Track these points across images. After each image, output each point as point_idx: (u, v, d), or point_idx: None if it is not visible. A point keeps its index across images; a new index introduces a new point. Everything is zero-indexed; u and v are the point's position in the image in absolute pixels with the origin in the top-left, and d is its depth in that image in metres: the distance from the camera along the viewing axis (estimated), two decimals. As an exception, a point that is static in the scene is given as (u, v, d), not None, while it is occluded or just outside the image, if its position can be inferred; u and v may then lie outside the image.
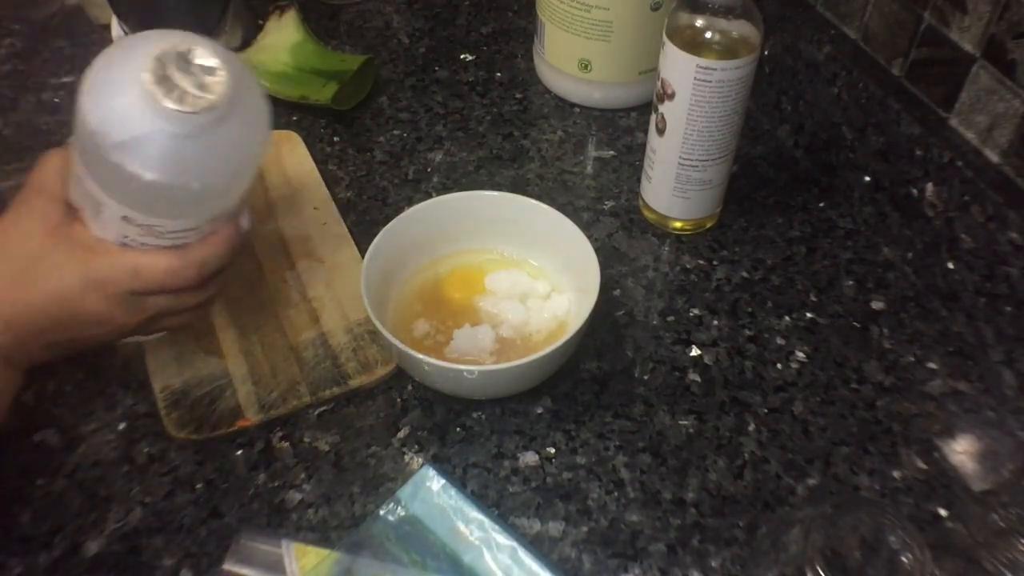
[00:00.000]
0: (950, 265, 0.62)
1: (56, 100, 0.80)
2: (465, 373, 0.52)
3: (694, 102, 0.60)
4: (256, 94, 0.48)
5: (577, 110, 0.81)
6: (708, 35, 0.60)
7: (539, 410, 0.56)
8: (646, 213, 0.70)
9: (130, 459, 0.53)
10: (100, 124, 0.43)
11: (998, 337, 0.59)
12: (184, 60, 0.44)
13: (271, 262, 0.64)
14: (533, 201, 0.61)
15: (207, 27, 0.78)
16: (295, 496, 0.52)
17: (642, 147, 0.72)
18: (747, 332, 0.61)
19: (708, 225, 0.69)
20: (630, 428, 0.55)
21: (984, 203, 0.58)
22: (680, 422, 0.56)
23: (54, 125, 0.77)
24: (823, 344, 0.61)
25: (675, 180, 0.65)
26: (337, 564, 0.48)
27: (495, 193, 0.63)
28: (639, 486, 0.53)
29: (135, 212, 0.46)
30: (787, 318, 0.62)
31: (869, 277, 0.66)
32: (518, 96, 0.83)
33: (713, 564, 0.49)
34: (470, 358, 0.57)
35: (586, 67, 0.78)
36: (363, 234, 0.61)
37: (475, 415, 0.56)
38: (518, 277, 0.61)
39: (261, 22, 0.85)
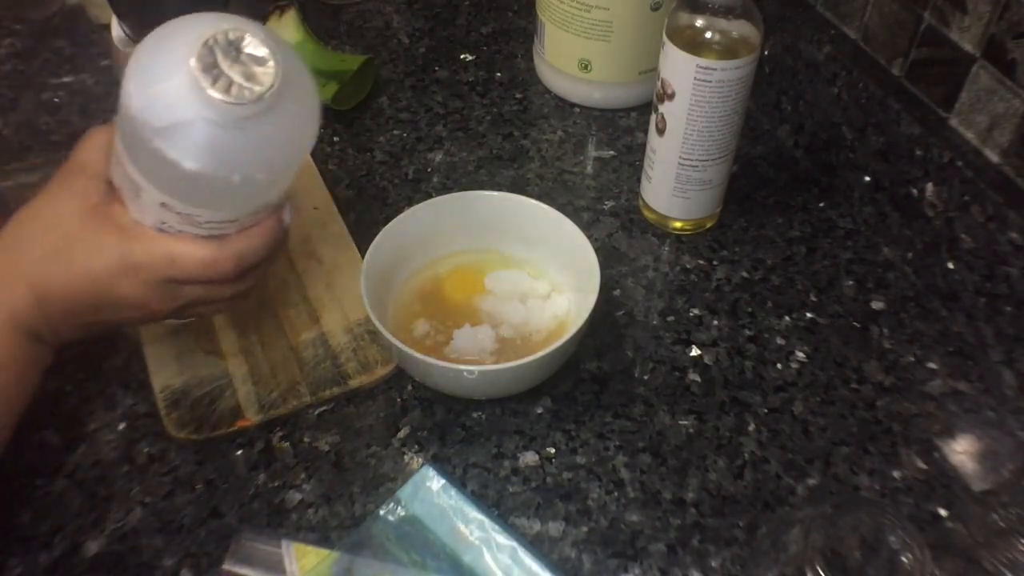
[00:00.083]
0: (950, 265, 0.62)
1: (56, 100, 0.80)
2: (465, 373, 0.52)
3: (694, 102, 0.60)
4: (306, 87, 0.47)
5: (577, 110, 0.81)
6: (708, 35, 0.60)
7: (539, 410, 0.56)
8: (646, 213, 0.70)
9: (130, 459, 0.53)
10: (142, 108, 0.42)
11: (998, 337, 0.59)
12: (234, 48, 0.42)
13: (271, 262, 0.64)
14: (533, 201, 0.61)
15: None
16: (295, 496, 0.52)
17: (642, 147, 0.72)
18: (747, 332, 0.61)
19: (708, 225, 0.69)
20: (630, 428, 0.55)
21: (984, 203, 0.58)
22: (680, 422, 0.56)
23: (54, 125, 0.77)
24: (823, 344, 0.61)
25: (675, 180, 0.65)
26: (337, 564, 0.48)
27: (495, 193, 0.63)
28: (639, 486, 0.53)
29: (173, 200, 0.45)
30: (787, 318, 0.62)
31: (869, 277, 0.66)
32: (518, 96, 0.83)
33: (713, 564, 0.49)
34: (470, 358, 0.57)
35: (586, 67, 0.78)
36: (363, 234, 0.61)
37: (475, 415, 0.56)
38: (518, 277, 0.61)
39: (261, 22, 0.85)
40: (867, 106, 0.67)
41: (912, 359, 0.60)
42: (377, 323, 0.53)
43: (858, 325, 0.62)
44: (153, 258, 0.46)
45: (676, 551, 0.50)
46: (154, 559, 0.49)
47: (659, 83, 0.62)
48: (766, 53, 0.77)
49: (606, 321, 0.62)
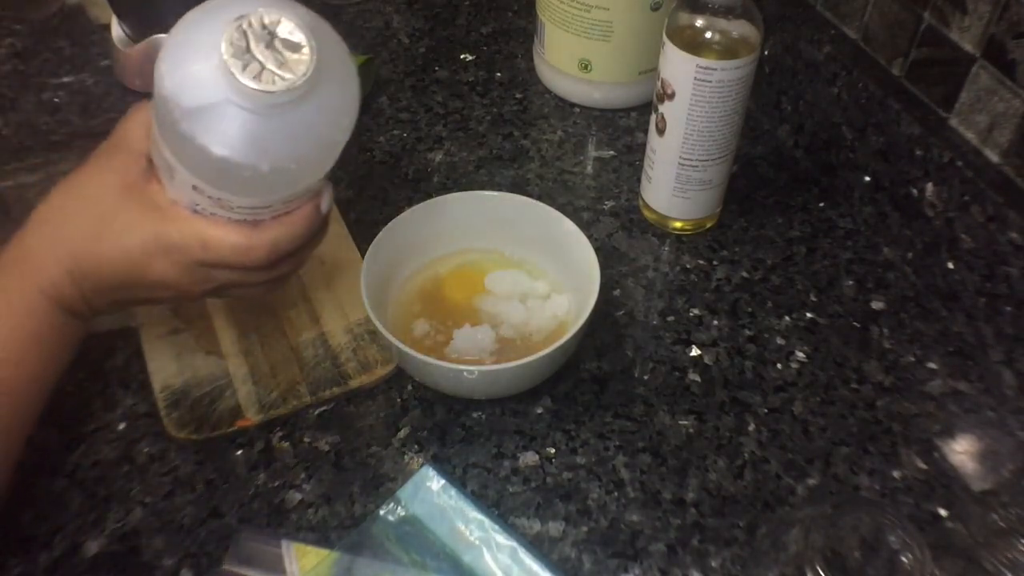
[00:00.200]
0: (950, 265, 0.62)
1: (56, 100, 0.80)
2: (465, 373, 0.52)
3: (694, 102, 0.60)
4: (344, 74, 0.45)
5: (577, 110, 0.81)
6: (708, 35, 0.60)
7: (539, 410, 0.56)
8: (646, 213, 0.70)
9: (130, 459, 0.53)
10: (173, 89, 0.41)
11: (998, 337, 0.59)
12: (268, 32, 0.41)
13: (271, 262, 0.64)
14: (533, 201, 0.61)
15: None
16: (295, 496, 0.52)
17: (642, 147, 0.72)
18: (747, 332, 0.61)
19: (708, 225, 0.69)
20: (630, 428, 0.55)
21: (984, 203, 0.58)
22: (680, 422, 0.56)
23: (54, 125, 0.77)
24: (823, 344, 0.61)
25: (675, 180, 0.65)
26: (337, 564, 0.48)
27: (495, 193, 0.63)
28: (639, 486, 0.53)
29: (204, 184, 0.44)
30: (787, 318, 0.62)
31: (869, 277, 0.66)
32: (518, 96, 0.83)
33: (713, 564, 0.49)
34: (470, 358, 0.57)
35: (586, 67, 0.78)
36: (363, 234, 0.61)
37: (475, 415, 0.56)
38: (518, 277, 0.61)
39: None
40: (867, 106, 0.67)
41: (912, 359, 0.60)
42: (377, 323, 0.53)
43: (858, 325, 0.62)
44: (186, 240, 0.46)
45: (676, 551, 0.50)
46: (154, 559, 0.49)
47: (659, 83, 0.62)
48: (766, 53, 0.77)
49: (606, 321, 0.62)
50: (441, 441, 0.55)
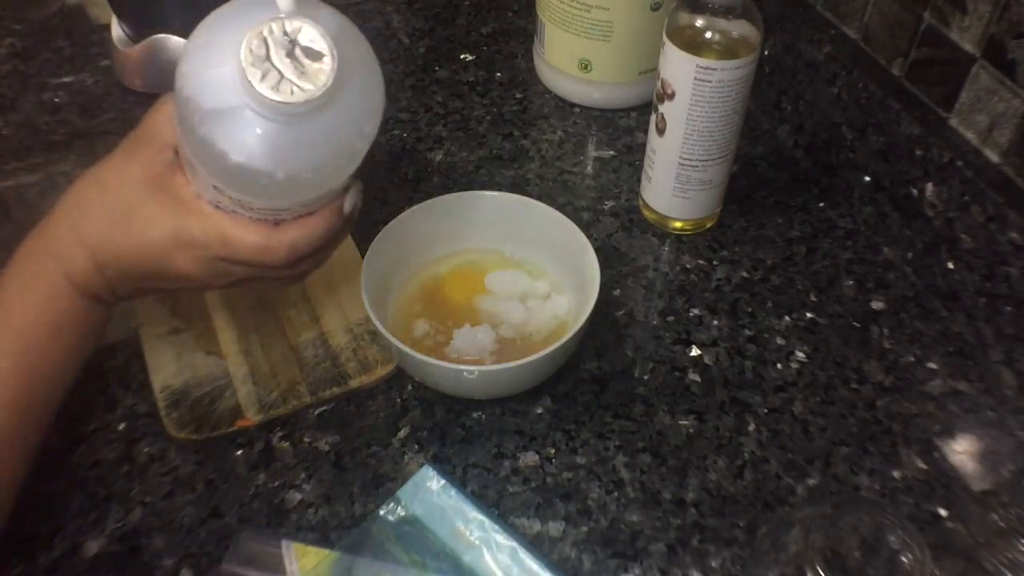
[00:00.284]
0: (950, 265, 0.62)
1: (56, 100, 0.80)
2: (465, 373, 0.52)
3: (694, 102, 0.60)
4: (367, 78, 0.45)
5: (577, 110, 0.81)
6: (708, 35, 0.60)
7: (539, 410, 0.56)
8: (646, 213, 0.70)
9: (130, 459, 0.53)
10: (193, 94, 0.41)
11: (998, 337, 0.59)
12: (290, 40, 0.41)
13: (271, 262, 0.64)
14: (533, 201, 0.61)
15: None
16: (295, 496, 0.52)
17: (642, 147, 0.72)
18: (747, 332, 0.61)
19: (708, 225, 0.69)
20: (630, 428, 0.55)
21: (984, 203, 0.58)
22: (680, 422, 0.56)
23: (54, 125, 0.77)
24: (823, 344, 0.61)
25: (675, 180, 0.65)
26: (337, 564, 0.48)
27: (495, 193, 0.63)
28: (639, 486, 0.53)
29: (223, 186, 0.44)
30: (787, 318, 0.62)
31: (869, 277, 0.66)
32: (518, 96, 0.83)
33: (713, 564, 0.49)
34: (470, 358, 0.57)
35: (586, 67, 0.78)
36: (363, 234, 0.61)
37: (475, 415, 0.56)
38: (518, 277, 0.61)
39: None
40: (867, 106, 0.67)
41: (912, 359, 0.60)
42: (377, 323, 0.53)
43: (858, 325, 0.62)
44: (207, 237, 0.46)
45: (676, 551, 0.50)
46: (154, 559, 0.49)
47: (659, 83, 0.62)
48: (766, 53, 0.77)
49: (606, 321, 0.62)
50: (441, 441, 0.55)
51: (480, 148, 0.77)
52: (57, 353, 0.48)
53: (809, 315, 0.63)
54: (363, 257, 0.57)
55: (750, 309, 0.63)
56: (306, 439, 0.55)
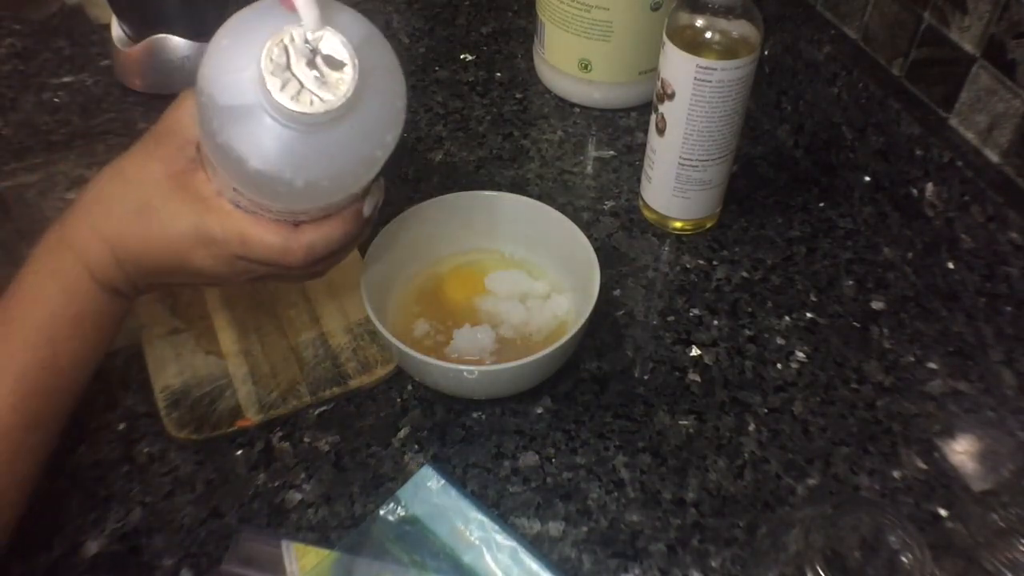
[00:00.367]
0: (950, 265, 0.62)
1: (56, 100, 0.80)
2: (465, 373, 0.52)
3: (694, 102, 0.60)
4: (389, 86, 0.44)
5: (577, 110, 0.81)
6: (708, 35, 0.60)
7: (539, 410, 0.56)
8: (646, 213, 0.70)
9: (130, 459, 0.53)
10: (213, 98, 0.41)
11: (998, 337, 0.59)
12: (311, 49, 0.40)
13: (271, 262, 0.64)
14: (533, 201, 0.61)
15: (207, 28, 0.78)
16: (295, 496, 0.52)
17: (642, 147, 0.72)
18: (747, 332, 0.61)
19: (708, 225, 0.69)
20: (630, 428, 0.55)
21: (984, 203, 0.58)
22: (680, 422, 0.56)
23: (54, 125, 0.77)
24: (823, 344, 0.61)
25: (675, 180, 0.65)
26: (337, 564, 0.48)
27: (495, 193, 0.63)
28: (639, 486, 0.53)
29: (242, 188, 0.44)
30: (787, 318, 0.62)
31: (869, 277, 0.66)
32: (518, 96, 0.83)
33: (713, 564, 0.49)
34: (470, 358, 0.57)
35: (586, 67, 0.78)
36: (363, 234, 0.61)
37: (475, 415, 0.56)
38: (518, 277, 0.61)
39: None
40: (867, 106, 0.67)
41: (912, 359, 0.60)
42: (377, 323, 0.53)
43: (858, 325, 0.62)
44: (226, 235, 0.46)
45: (676, 551, 0.50)
46: (154, 559, 0.49)
47: (659, 83, 0.62)
48: (766, 53, 0.77)
49: (606, 321, 0.62)
50: (441, 441, 0.55)
51: (480, 148, 0.77)
52: (78, 345, 0.48)
53: (809, 315, 0.63)
54: (363, 257, 0.57)
55: (750, 309, 0.63)
56: (306, 439, 0.55)
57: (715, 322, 0.62)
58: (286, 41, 0.40)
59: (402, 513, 0.50)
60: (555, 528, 0.50)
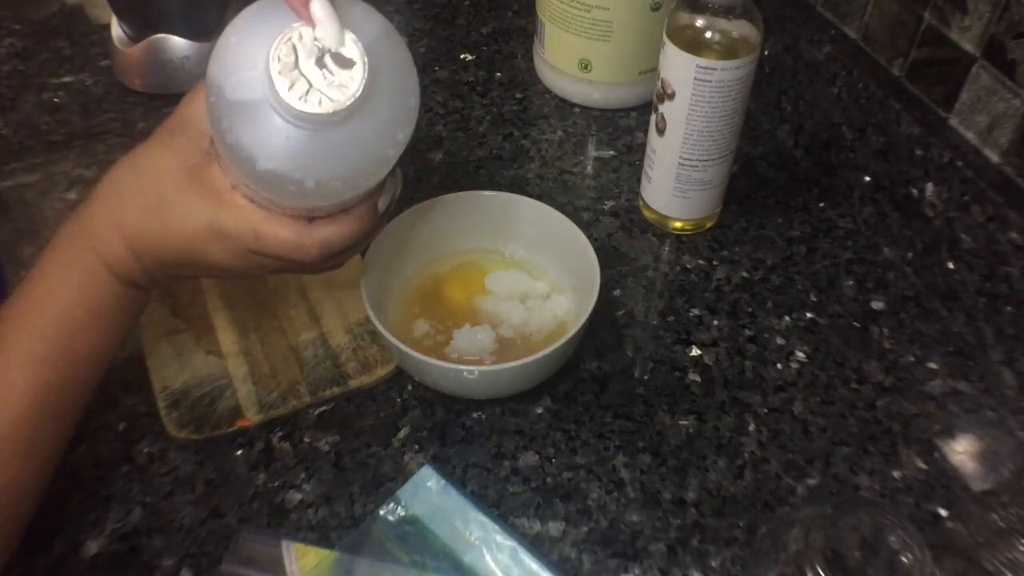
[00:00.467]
0: (950, 265, 0.62)
1: (56, 100, 0.80)
2: (465, 373, 0.52)
3: (694, 102, 0.60)
4: (401, 84, 0.43)
5: (577, 110, 0.81)
6: (708, 35, 0.60)
7: (539, 410, 0.56)
8: (646, 213, 0.70)
9: (130, 459, 0.53)
10: (222, 96, 0.41)
11: (998, 337, 0.59)
12: (320, 48, 0.40)
13: (271, 262, 0.64)
14: (533, 201, 0.61)
15: (207, 28, 0.78)
16: (295, 496, 0.52)
17: (642, 147, 0.72)
18: (747, 332, 0.61)
19: (708, 225, 0.69)
20: (630, 428, 0.55)
21: (984, 203, 0.58)
22: (680, 422, 0.56)
23: (54, 125, 0.77)
24: (823, 344, 0.61)
25: (675, 180, 0.65)
26: (337, 564, 0.48)
27: (495, 193, 0.63)
28: (639, 486, 0.53)
29: (254, 186, 0.44)
30: (787, 318, 0.62)
31: (869, 277, 0.66)
32: (518, 96, 0.83)
33: (713, 564, 0.49)
34: (470, 358, 0.57)
35: (586, 67, 0.78)
36: (363, 234, 0.61)
37: (475, 415, 0.56)
38: (518, 277, 0.61)
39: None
40: (867, 106, 0.67)
41: (912, 359, 0.60)
42: (377, 323, 0.53)
43: (858, 325, 0.62)
44: (240, 230, 0.46)
45: (676, 551, 0.50)
46: (154, 559, 0.49)
47: (659, 83, 0.62)
48: (766, 53, 0.77)
49: (606, 321, 0.62)
50: (441, 441, 0.55)
51: (480, 148, 0.77)
52: (95, 337, 0.48)
53: (809, 315, 0.63)
54: (363, 257, 0.57)
55: (750, 309, 0.63)
56: (306, 439, 0.55)
57: (715, 322, 0.62)
58: (294, 40, 0.40)
59: (402, 513, 0.50)
60: (555, 528, 0.50)
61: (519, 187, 0.73)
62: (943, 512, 0.51)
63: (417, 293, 0.61)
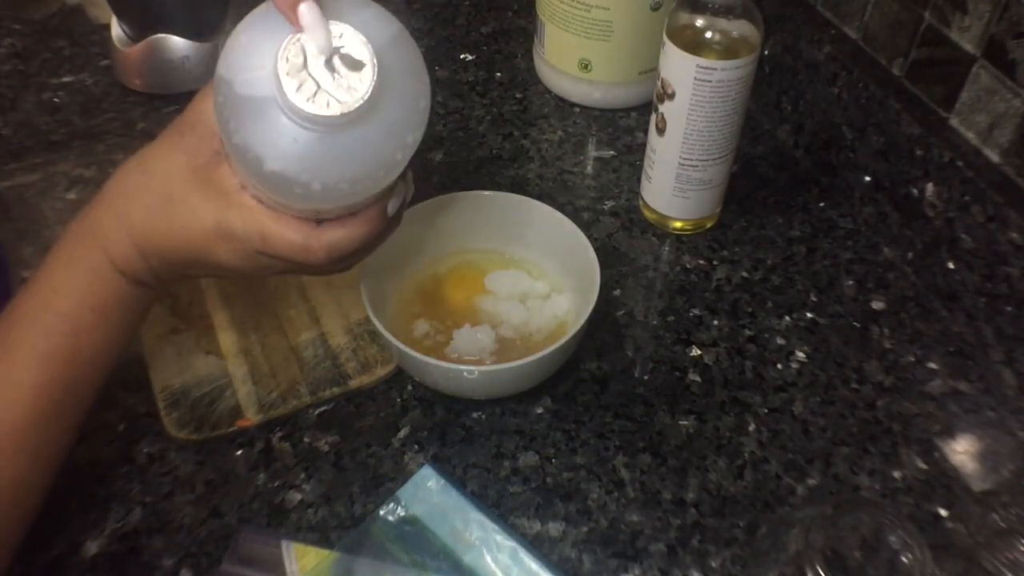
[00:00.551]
0: (950, 265, 0.62)
1: (56, 100, 0.80)
2: (465, 373, 0.52)
3: (694, 102, 0.60)
4: (412, 86, 0.43)
5: (577, 110, 0.81)
6: (708, 35, 0.60)
7: (539, 410, 0.56)
8: (646, 213, 0.70)
9: (130, 459, 0.53)
10: (229, 95, 0.40)
11: (998, 337, 0.59)
12: (330, 48, 0.39)
13: (271, 262, 0.64)
14: (533, 201, 0.61)
15: (207, 28, 0.78)
16: (295, 496, 0.52)
17: (642, 147, 0.72)
18: (747, 332, 0.61)
19: (708, 225, 0.69)
20: (630, 428, 0.55)
21: (984, 203, 0.58)
22: (680, 422, 0.56)
23: (54, 125, 0.77)
24: (823, 344, 0.61)
25: (675, 180, 0.65)
26: (337, 564, 0.48)
27: (495, 193, 0.63)
28: (639, 486, 0.53)
29: (261, 187, 0.43)
30: (787, 318, 0.62)
31: (869, 277, 0.66)
32: (518, 96, 0.83)
33: (713, 564, 0.49)
34: (470, 358, 0.57)
35: (586, 67, 0.78)
36: (363, 234, 0.61)
37: (475, 415, 0.56)
38: (518, 277, 0.61)
39: None
40: (867, 106, 0.67)
41: (912, 359, 0.60)
42: (377, 323, 0.53)
43: (858, 325, 0.62)
44: (247, 231, 0.45)
45: (676, 551, 0.50)
46: (154, 559, 0.49)
47: (659, 83, 0.62)
48: (766, 53, 0.77)
49: (606, 321, 0.62)
50: (441, 441, 0.55)
51: (480, 148, 0.77)
52: (102, 335, 0.48)
53: (809, 315, 0.63)
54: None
55: (750, 309, 0.63)
56: (306, 439, 0.55)
57: (715, 322, 0.62)
58: (303, 40, 0.39)
59: (402, 513, 0.50)
60: (555, 528, 0.50)
61: (519, 187, 0.73)
62: (943, 512, 0.51)
63: (417, 293, 0.61)
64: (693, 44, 0.59)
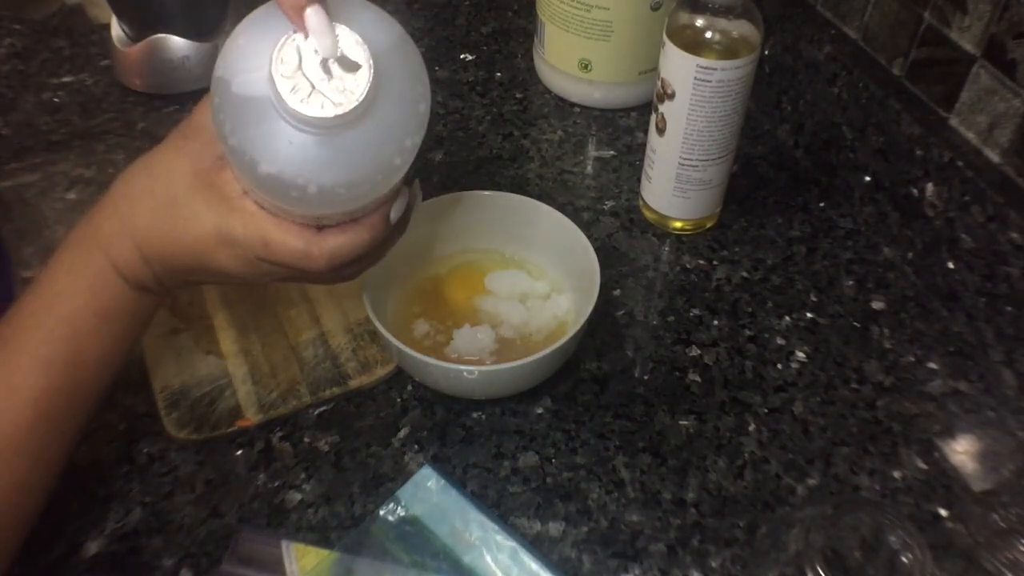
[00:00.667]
0: (950, 265, 0.62)
1: (56, 100, 0.80)
2: (465, 373, 0.52)
3: (694, 102, 0.60)
4: (410, 88, 0.42)
5: (577, 110, 0.81)
6: (708, 35, 0.60)
7: (539, 410, 0.56)
8: (646, 213, 0.70)
9: (130, 459, 0.53)
10: (224, 98, 0.40)
11: (998, 337, 0.59)
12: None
13: (271, 262, 0.64)
14: (533, 201, 0.61)
15: (207, 28, 0.78)
16: (295, 496, 0.52)
17: (642, 147, 0.72)
18: (747, 332, 0.61)
19: (708, 225, 0.69)
20: (630, 428, 0.55)
21: (984, 203, 0.58)
22: (680, 422, 0.56)
23: (54, 125, 0.77)
24: (823, 344, 0.61)
25: (675, 180, 0.65)
26: (337, 564, 0.48)
27: (495, 193, 0.63)
28: (639, 486, 0.53)
29: (258, 191, 0.43)
30: (787, 318, 0.62)
31: (869, 277, 0.66)
32: (518, 96, 0.83)
33: (713, 564, 0.49)
34: (470, 358, 0.57)
35: (586, 67, 0.78)
36: (363, 234, 0.61)
37: (475, 415, 0.56)
38: (518, 277, 0.61)
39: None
40: (867, 106, 0.67)
41: (912, 359, 0.60)
42: (377, 323, 0.53)
43: (858, 325, 0.62)
44: (248, 237, 0.45)
45: (676, 551, 0.50)
46: (154, 559, 0.49)
47: (659, 83, 0.62)
48: (766, 53, 0.77)
49: (606, 321, 0.62)
50: (441, 441, 0.55)
51: (480, 148, 0.77)
52: (105, 340, 0.48)
53: (809, 315, 0.63)
54: (363, 257, 0.57)
55: (750, 309, 0.63)
56: (306, 439, 0.55)
57: (715, 322, 0.62)
58: (299, 42, 0.39)
59: (402, 513, 0.50)
60: (555, 528, 0.50)
61: (519, 187, 0.73)
62: (943, 512, 0.51)
63: (417, 293, 0.61)
64: (693, 44, 0.59)
